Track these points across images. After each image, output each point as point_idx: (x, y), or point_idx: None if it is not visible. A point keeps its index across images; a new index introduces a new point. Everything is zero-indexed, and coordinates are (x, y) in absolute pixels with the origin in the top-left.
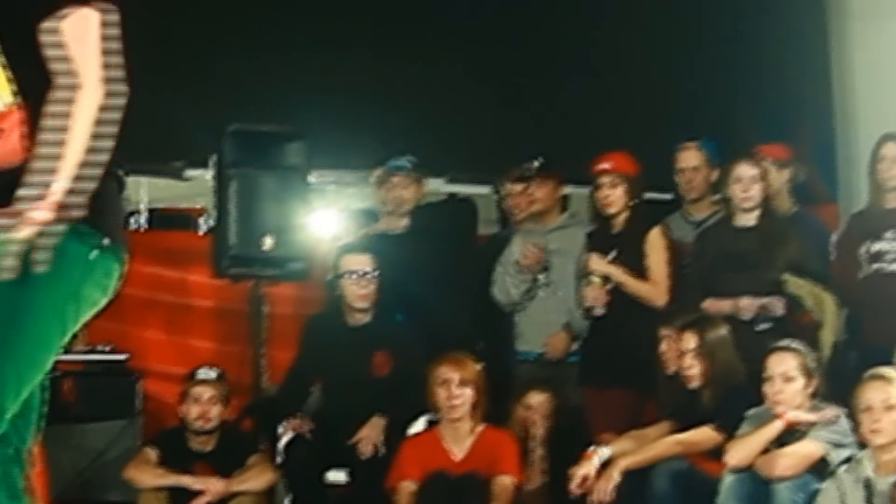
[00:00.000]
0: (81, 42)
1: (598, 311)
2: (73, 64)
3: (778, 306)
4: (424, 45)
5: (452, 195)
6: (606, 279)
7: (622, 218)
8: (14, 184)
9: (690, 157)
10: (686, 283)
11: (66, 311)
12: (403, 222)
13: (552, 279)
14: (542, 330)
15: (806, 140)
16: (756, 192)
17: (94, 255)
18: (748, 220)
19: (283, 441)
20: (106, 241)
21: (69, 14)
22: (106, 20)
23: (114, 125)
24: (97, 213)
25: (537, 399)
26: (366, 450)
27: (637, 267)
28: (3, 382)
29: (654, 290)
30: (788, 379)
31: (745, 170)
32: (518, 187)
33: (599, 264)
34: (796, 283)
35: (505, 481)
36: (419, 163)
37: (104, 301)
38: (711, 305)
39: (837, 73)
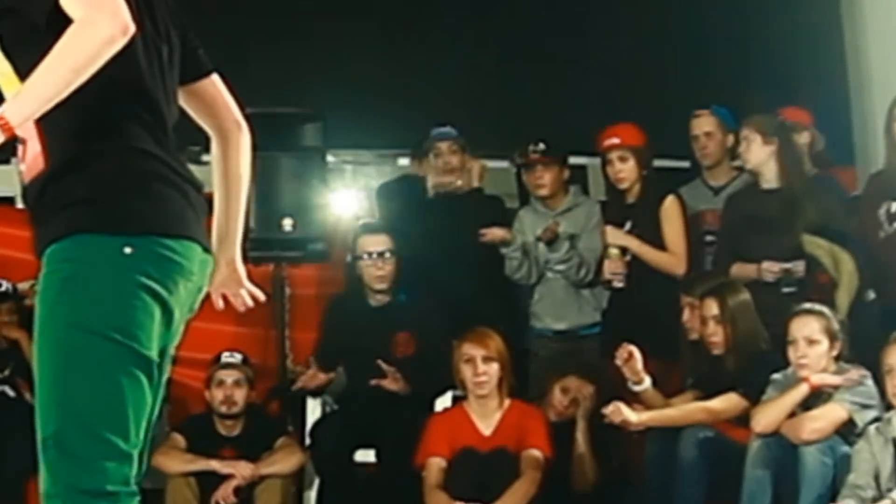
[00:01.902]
0: None
1: (618, 284)
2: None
3: (800, 268)
4: (438, 21)
5: None
6: (625, 251)
7: (635, 189)
8: (41, 197)
9: (703, 124)
10: (698, 250)
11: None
12: (454, 185)
13: (561, 259)
14: (555, 310)
15: (819, 103)
16: (749, 151)
17: (127, 250)
18: (769, 182)
19: (311, 421)
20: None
21: None
22: None
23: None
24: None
25: (576, 384)
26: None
27: (652, 236)
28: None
29: (673, 259)
30: (812, 342)
31: (741, 131)
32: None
33: (617, 236)
34: (814, 243)
35: (534, 454)
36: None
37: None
38: (739, 270)
39: (850, 34)
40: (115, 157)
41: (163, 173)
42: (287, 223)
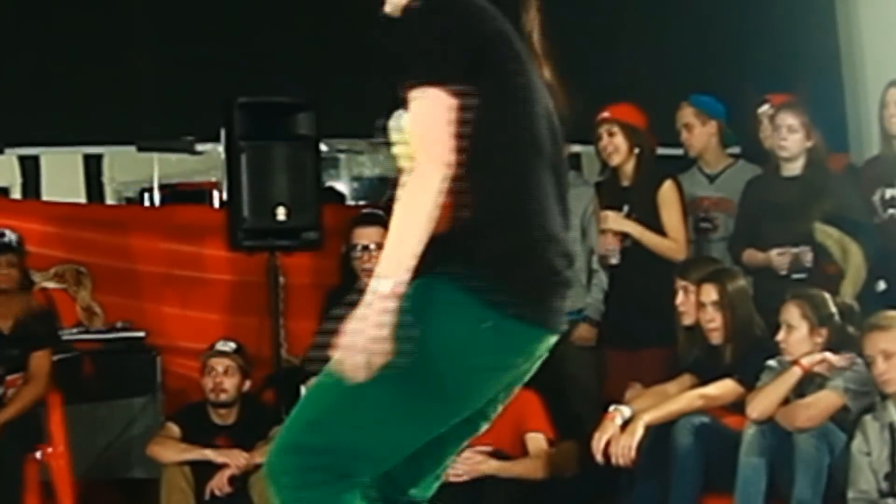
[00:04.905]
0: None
1: (613, 260)
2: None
3: (808, 254)
4: None
5: None
6: None
7: (629, 169)
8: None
9: (681, 115)
10: (694, 236)
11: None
12: None
13: None
14: None
15: (813, 90)
16: (793, 141)
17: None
18: (793, 169)
19: None
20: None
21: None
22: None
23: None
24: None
25: None
26: None
27: (650, 220)
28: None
29: (673, 245)
30: (790, 327)
31: (783, 118)
32: None
33: (616, 222)
34: (825, 232)
35: (537, 438)
36: None
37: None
38: (749, 256)
39: (843, 22)
40: (514, 236)
41: (551, 260)
42: (281, 212)
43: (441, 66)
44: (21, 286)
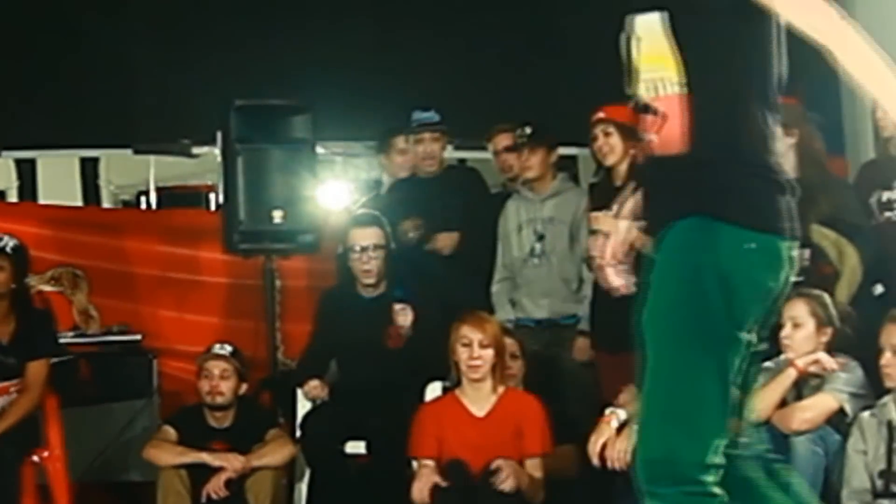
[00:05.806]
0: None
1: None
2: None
3: (804, 255)
4: (429, 11)
5: (461, 161)
6: None
7: (623, 169)
8: (674, 170)
9: None
10: None
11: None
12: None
13: (546, 248)
14: (537, 298)
15: (810, 94)
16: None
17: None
18: (790, 172)
19: (302, 413)
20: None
21: None
22: None
23: None
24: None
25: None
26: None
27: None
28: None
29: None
30: (797, 324)
31: None
32: (508, 148)
33: (605, 222)
34: (821, 233)
35: (535, 464)
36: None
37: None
38: None
39: None
40: (747, 163)
41: (769, 177)
42: (277, 215)
43: None
44: (14, 292)
